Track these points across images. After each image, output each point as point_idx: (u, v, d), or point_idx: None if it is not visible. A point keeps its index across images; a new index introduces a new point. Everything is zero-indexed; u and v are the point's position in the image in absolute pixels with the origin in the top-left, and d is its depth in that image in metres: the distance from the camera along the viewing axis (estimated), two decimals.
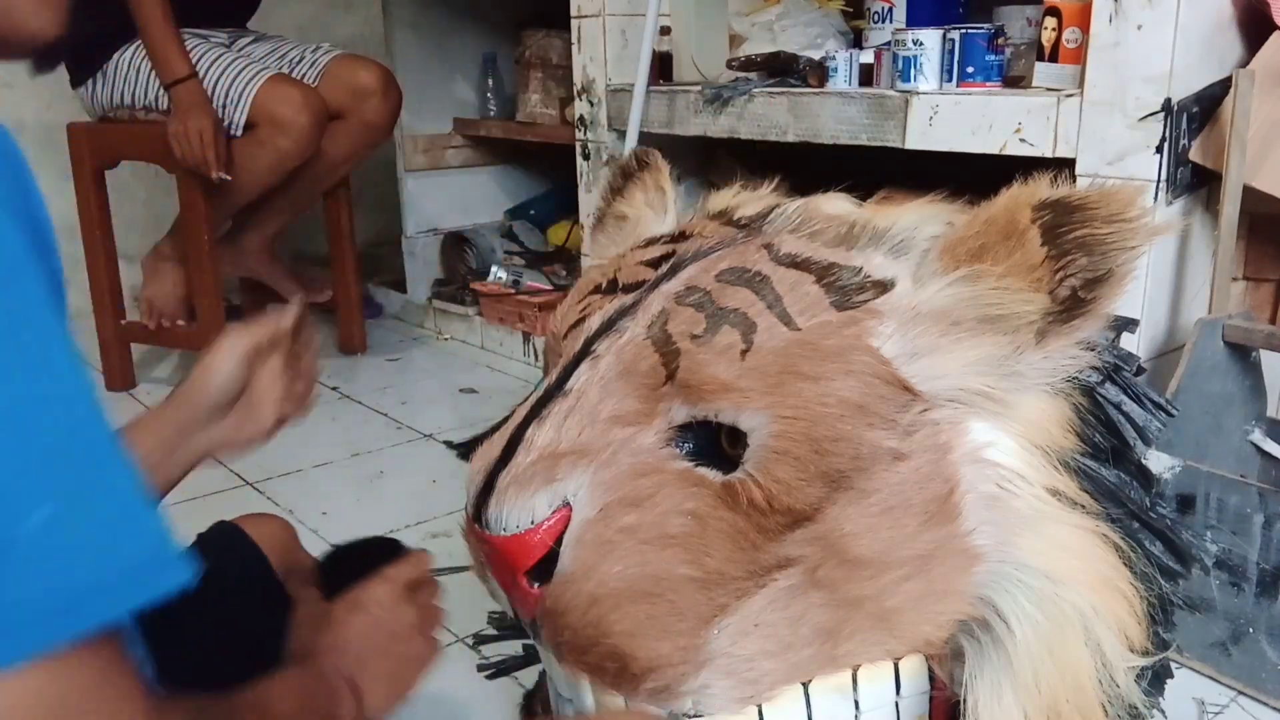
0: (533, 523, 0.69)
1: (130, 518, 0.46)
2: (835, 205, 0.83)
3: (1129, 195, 0.67)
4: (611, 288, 0.80)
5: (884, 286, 0.71)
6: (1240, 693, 1.26)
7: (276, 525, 1.03)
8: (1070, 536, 0.71)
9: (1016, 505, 0.70)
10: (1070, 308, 0.68)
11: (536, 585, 0.71)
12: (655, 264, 0.79)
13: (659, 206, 0.95)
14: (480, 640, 1.29)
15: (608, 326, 0.75)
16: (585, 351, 0.75)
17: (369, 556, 1.00)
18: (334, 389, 2.46)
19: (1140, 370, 0.79)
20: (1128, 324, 0.83)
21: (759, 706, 0.73)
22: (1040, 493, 0.71)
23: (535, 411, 0.74)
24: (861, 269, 0.73)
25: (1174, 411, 0.78)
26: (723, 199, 0.89)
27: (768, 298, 0.71)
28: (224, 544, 0.96)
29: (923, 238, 0.75)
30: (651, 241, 0.85)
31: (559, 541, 0.69)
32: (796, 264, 0.73)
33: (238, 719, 0.62)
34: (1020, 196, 0.69)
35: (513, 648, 1.07)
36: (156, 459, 0.89)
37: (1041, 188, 0.69)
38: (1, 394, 0.42)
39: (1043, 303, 0.68)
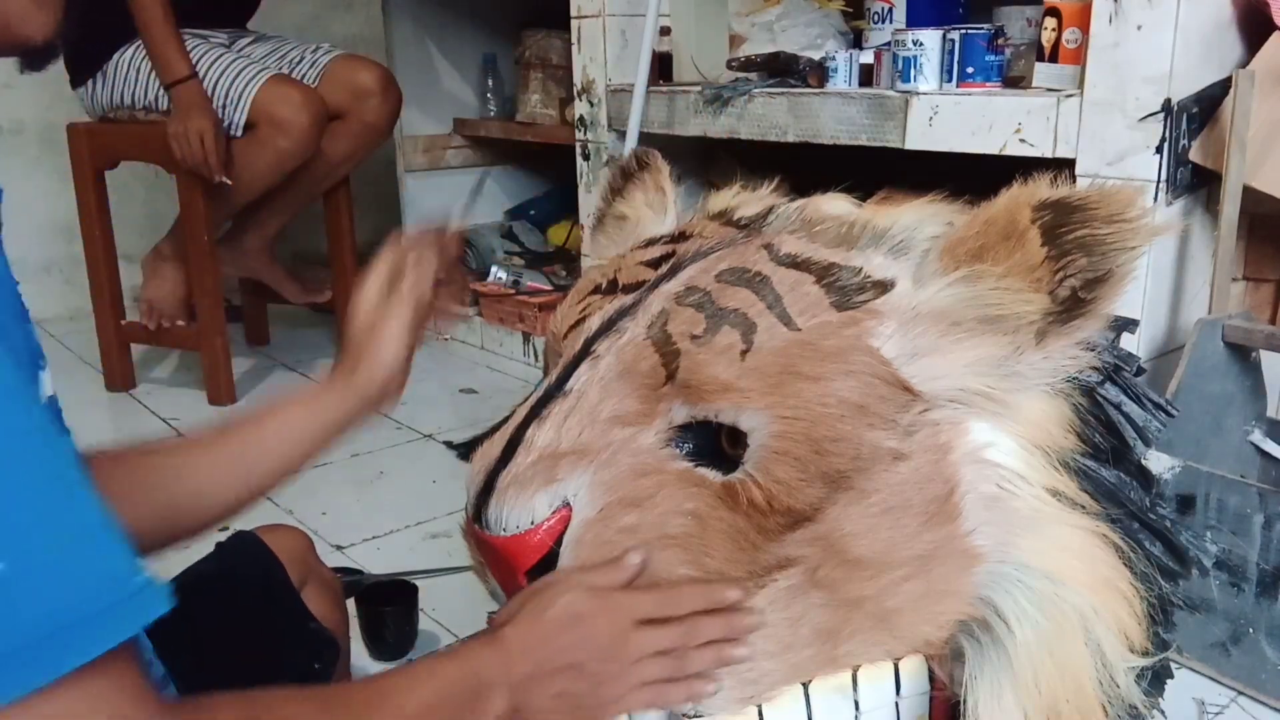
0: (533, 523, 0.69)
1: (89, 561, 0.48)
2: (835, 205, 0.83)
3: (1129, 195, 0.67)
4: (611, 288, 0.80)
5: (884, 287, 0.71)
6: (1240, 693, 1.26)
7: (294, 536, 1.04)
8: (1070, 537, 0.71)
9: (1016, 506, 0.70)
10: (1070, 308, 0.68)
11: None
12: (655, 264, 0.79)
13: (659, 207, 0.94)
14: None
15: (608, 327, 0.75)
16: (585, 352, 0.75)
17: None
18: None
19: (1140, 370, 0.79)
20: (1128, 324, 0.83)
21: (759, 706, 0.73)
22: (1040, 493, 0.71)
23: (535, 412, 0.73)
24: (861, 269, 0.72)
25: (1174, 412, 0.78)
26: (723, 199, 0.89)
27: (768, 298, 0.71)
28: (243, 552, 0.97)
29: (923, 238, 0.75)
30: (651, 242, 0.85)
31: (559, 542, 0.69)
32: (796, 264, 0.73)
33: (353, 709, 0.61)
34: (1020, 197, 0.69)
35: None
36: (317, 443, 0.91)
37: (1041, 188, 0.69)
38: None
39: (1043, 303, 0.68)
